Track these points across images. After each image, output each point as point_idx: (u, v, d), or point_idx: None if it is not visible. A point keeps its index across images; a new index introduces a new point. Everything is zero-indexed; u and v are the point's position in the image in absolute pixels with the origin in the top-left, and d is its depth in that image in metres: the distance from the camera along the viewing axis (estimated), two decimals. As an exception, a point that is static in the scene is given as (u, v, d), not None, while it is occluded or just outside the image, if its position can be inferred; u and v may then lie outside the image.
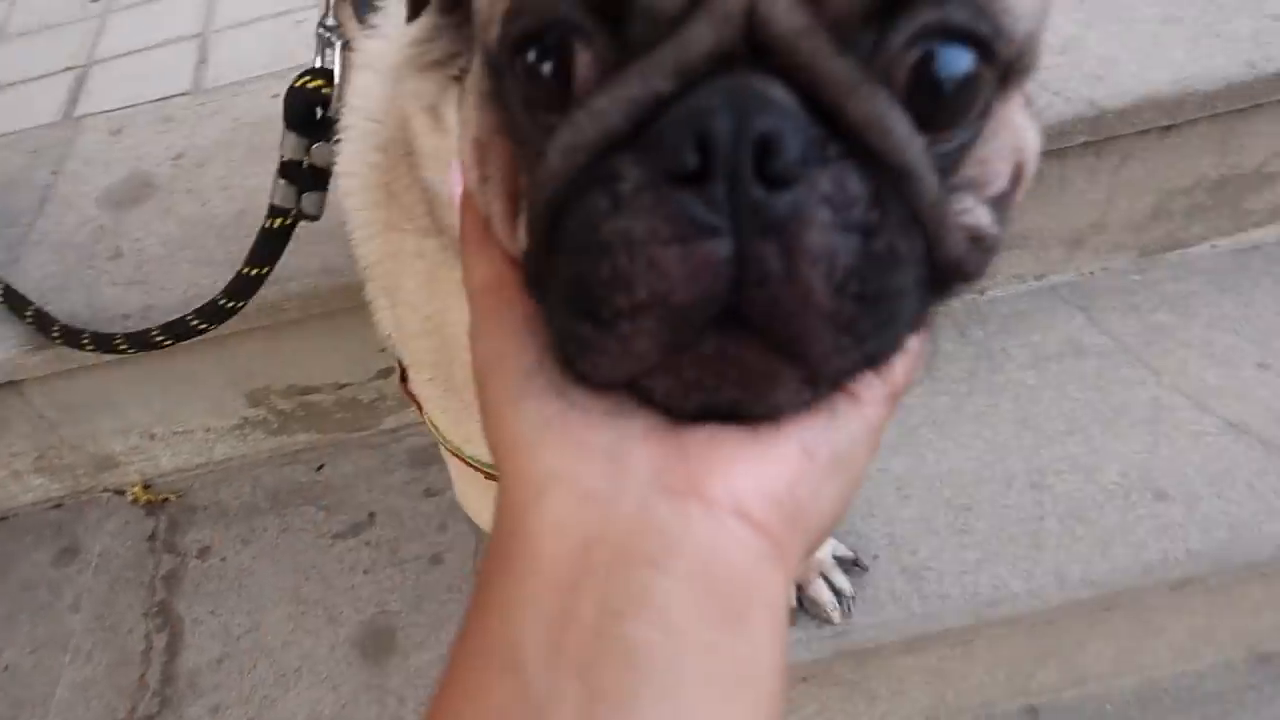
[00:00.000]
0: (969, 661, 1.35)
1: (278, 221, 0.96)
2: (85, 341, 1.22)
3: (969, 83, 0.38)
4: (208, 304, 1.11)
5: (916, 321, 0.41)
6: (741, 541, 0.36)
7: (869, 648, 1.22)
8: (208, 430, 1.51)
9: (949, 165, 0.40)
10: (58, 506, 1.56)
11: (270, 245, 1.01)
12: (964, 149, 0.40)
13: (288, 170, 0.91)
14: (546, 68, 0.39)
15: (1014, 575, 1.23)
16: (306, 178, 0.91)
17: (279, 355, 1.43)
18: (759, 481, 0.37)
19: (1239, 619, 1.38)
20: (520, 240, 0.43)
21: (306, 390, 1.48)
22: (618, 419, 0.39)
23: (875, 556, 1.27)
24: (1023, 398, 1.41)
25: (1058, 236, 1.50)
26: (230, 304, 1.09)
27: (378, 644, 1.29)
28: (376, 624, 1.32)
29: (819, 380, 0.39)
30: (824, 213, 0.36)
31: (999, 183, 0.43)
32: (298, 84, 0.85)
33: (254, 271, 1.05)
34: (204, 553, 1.45)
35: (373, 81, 0.73)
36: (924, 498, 1.32)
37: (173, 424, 1.49)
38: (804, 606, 1.23)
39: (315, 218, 0.95)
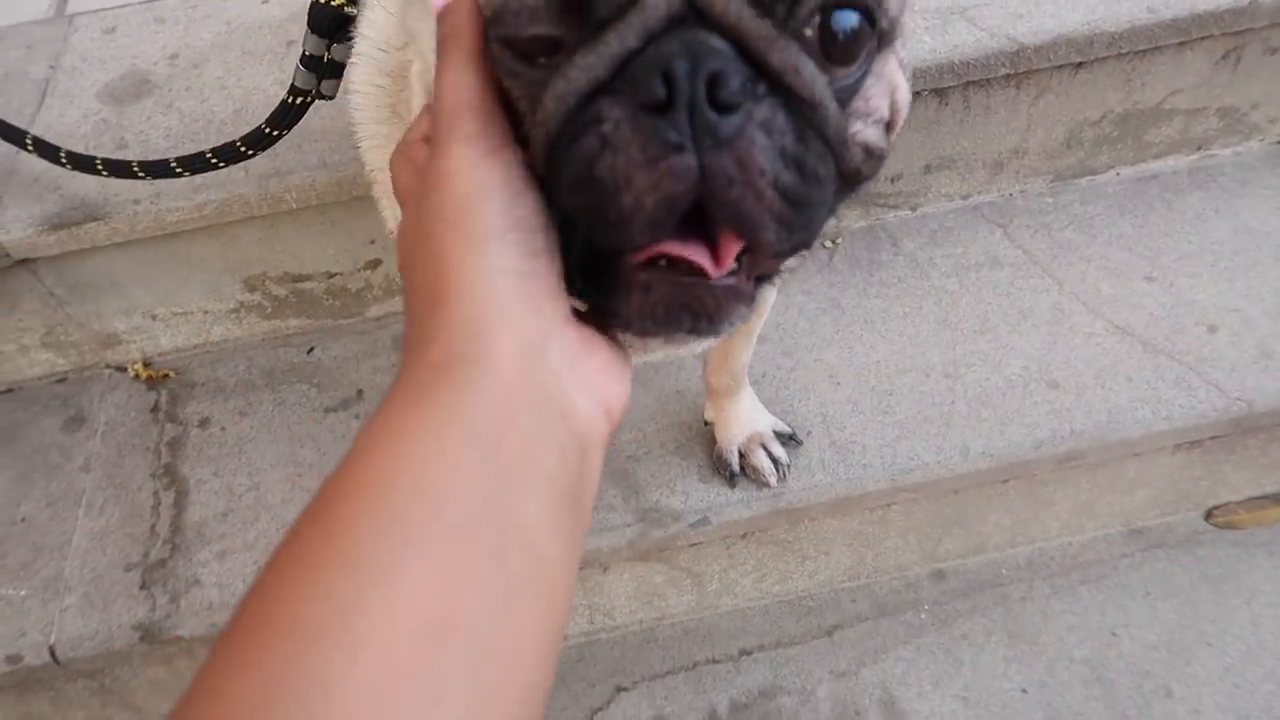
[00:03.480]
0: (885, 527, 1.56)
1: (298, 99, 1.11)
2: (99, 167, 1.31)
3: (856, 36, 0.54)
4: (225, 144, 1.24)
5: (828, 215, 0.57)
6: (601, 422, 0.52)
7: (800, 508, 1.41)
8: (206, 312, 1.63)
9: (845, 97, 0.55)
10: (62, 381, 1.68)
11: (289, 116, 1.15)
12: (855, 85, 0.56)
13: (308, 61, 1.05)
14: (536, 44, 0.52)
15: (926, 449, 1.43)
16: (325, 67, 1.05)
17: (275, 244, 1.56)
18: (616, 392, 0.53)
19: (1116, 496, 1.61)
20: None
21: (299, 278, 1.61)
22: (553, 301, 0.51)
23: (809, 432, 1.46)
24: (944, 301, 1.60)
25: (982, 161, 1.68)
26: (246, 150, 1.22)
27: (369, 500, 1.45)
28: (367, 484, 1.47)
29: (739, 295, 0.54)
30: (761, 135, 0.50)
31: (881, 113, 0.59)
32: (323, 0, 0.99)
33: (272, 131, 1.18)
34: (204, 423, 1.59)
35: (382, 17, 0.87)
36: (853, 384, 1.51)
37: (173, 305, 1.62)
38: (745, 472, 1.42)
39: (331, 98, 1.09)
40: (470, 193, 0.50)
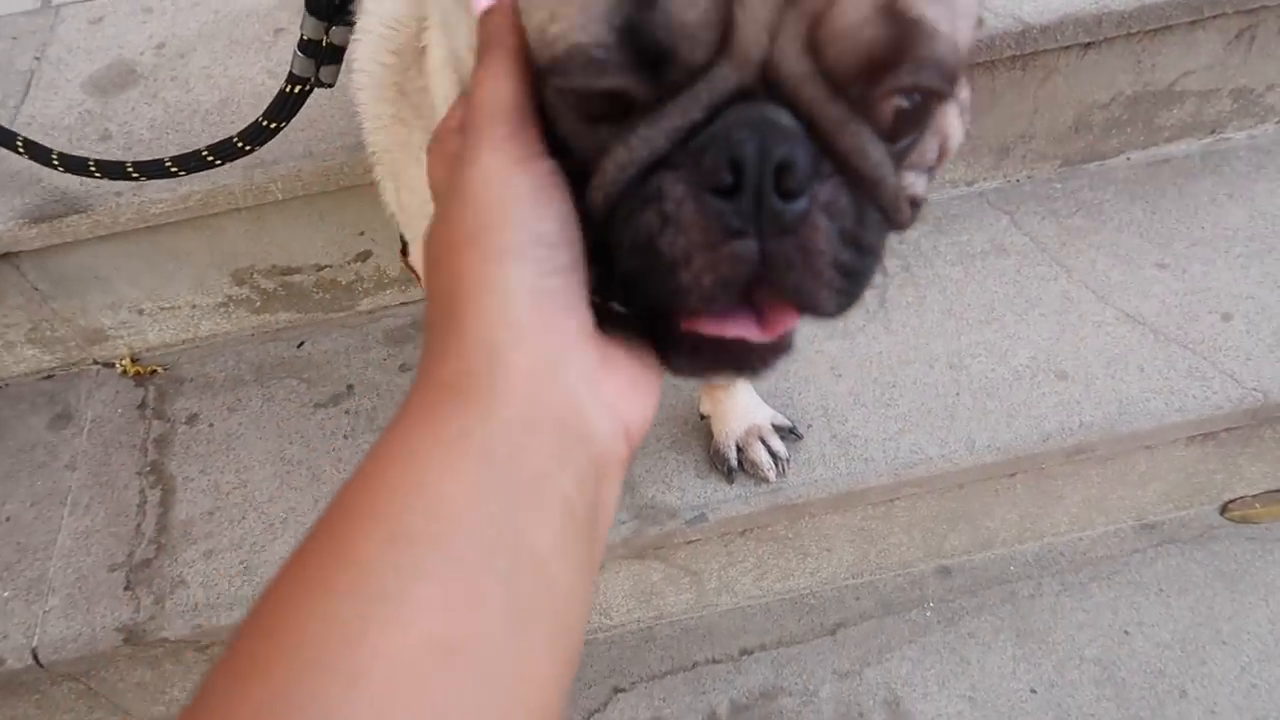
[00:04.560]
0: (889, 523, 1.51)
1: (296, 88, 1.07)
2: (92, 168, 1.28)
3: (922, 109, 0.51)
4: (222, 141, 1.20)
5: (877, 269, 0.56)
6: (621, 445, 0.50)
7: (800, 503, 1.37)
8: (194, 307, 1.60)
9: (901, 159, 0.53)
10: (49, 377, 1.65)
11: (287, 106, 1.11)
12: (912, 145, 0.54)
13: (306, 47, 1.02)
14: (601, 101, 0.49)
15: (930, 442, 1.39)
16: (324, 53, 1.01)
17: (263, 236, 1.52)
18: (639, 413, 0.52)
19: (1127, 490, 1.56)
20: None
21: (288, 270, 1.58)
22: (573, 318, 0.49)
23: (809, 426, 1.42)
24: (949, 290, 1.55)
25: (988, 146, 1.63)
26: (244, 145, 1.18)
27: (358, 498, 1.42)
28: (356, 481, 1.44)
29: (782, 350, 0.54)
30: (824, 219, 0.49)
31: (929, 161, 0.57)
32: None
33: (270, 125, 1.14)
34: (192, 419, 1.56)
35: None
36: (855, 376, 1.47)
37: (160, 300, 1.58)
38: (744, 467, 1.38)
39: (330, 85, 1.05)
40: (492, 206, 0.48)
